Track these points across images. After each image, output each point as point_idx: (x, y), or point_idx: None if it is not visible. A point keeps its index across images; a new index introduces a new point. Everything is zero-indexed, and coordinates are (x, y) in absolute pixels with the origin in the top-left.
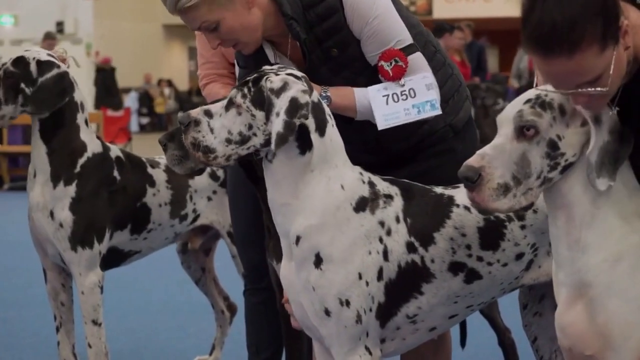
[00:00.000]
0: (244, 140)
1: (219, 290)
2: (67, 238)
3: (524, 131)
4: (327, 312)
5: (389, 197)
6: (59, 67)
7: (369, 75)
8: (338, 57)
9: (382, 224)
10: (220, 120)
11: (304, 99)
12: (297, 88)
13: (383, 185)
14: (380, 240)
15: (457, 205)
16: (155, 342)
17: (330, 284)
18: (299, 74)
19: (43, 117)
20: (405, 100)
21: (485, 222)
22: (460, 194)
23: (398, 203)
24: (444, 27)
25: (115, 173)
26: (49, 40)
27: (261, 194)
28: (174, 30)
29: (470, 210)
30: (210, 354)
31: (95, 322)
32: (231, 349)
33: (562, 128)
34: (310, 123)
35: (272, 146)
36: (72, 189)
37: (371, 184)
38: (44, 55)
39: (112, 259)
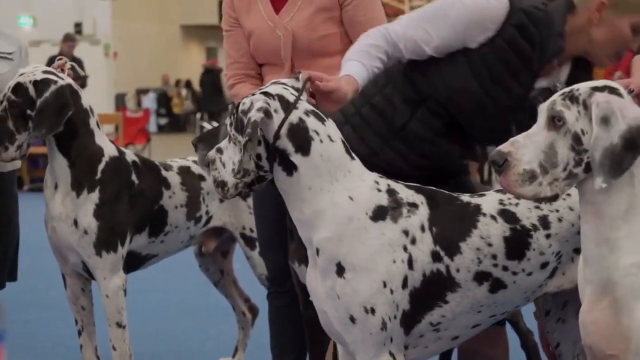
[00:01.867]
0: (240, 167)
1: (239, 292)
2: (92, 244)
3: (554, 121)
4: (352, 320)
5: (414, 205)
6: (55, 82)
7: None
8: None
9: (406, 232)
10: (227, 153)
11: (254, 116)
12: (257, 106)
13: (407, 193)
14: (405, 249)
15: (484, 215)
16: (177, 345)
17: (354, 292)
18: (276, 91)
19: (57, 132)
20: None
21: (512, 232)
22: (486, 203)
23: (423, 212)
24: None
25: (134, 177)
26: (69, 42)
27: None
28: (192, 31)
29: (496, 220)
30: (234, 356)
31: (119, 325)
32: (253, 350)
33: (586, 123)
34: (288, 145)
35: (236, 176)
36: (95, 196)
37: (390, 192)
38: (39, 74)
39: (130, 263)
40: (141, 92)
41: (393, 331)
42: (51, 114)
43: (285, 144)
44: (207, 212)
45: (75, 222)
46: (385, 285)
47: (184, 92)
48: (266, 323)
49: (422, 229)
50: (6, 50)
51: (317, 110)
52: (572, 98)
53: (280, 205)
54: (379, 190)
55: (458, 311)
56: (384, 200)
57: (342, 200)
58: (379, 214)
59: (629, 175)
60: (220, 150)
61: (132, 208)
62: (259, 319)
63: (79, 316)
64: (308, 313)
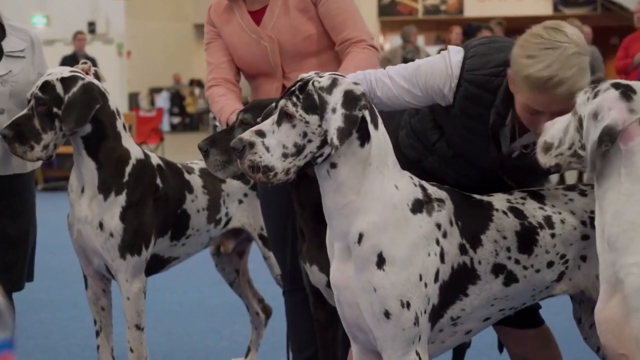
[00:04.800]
0: (299, 150)
1: (253, 293)
2: (117, 247)
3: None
4: (387, 314)
5: (441, 200)
6: (83, 79)
7: None
8: None
9: (438, 226)
10: (275, 136)
11: (358, 90)
12: (347, 82)
13: (433, 189)
14: (437, 242)
15: (497, 210)
16: (190, 344)
17: (392, 285)
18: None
19: (84, 134)
20: None
21: (521, 227)
22: (496, 201)
23: (450, 206)
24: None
25: (158, 181)
26: (79, 37)
27: (297, 196)
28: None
29: (508, 215)
30: (246, 356)
31: (138, 327)
32: (266, 350)
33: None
34: (367, 115)
35: (335, 141)
36: (122, 198)
37: (422, 187)
38: (66, 72)
39: (152, 266)
40: (154, 91)
41: (422, 327)
42: (79, 108)
43: (365, 113)
44: (226, 214)
45: (101, 225)
46: (420, 278)
47: (197, 91)
48: (279, 324)
49: (451, 222)
50: (17, 48)
51: None
52: (594, 87)
53: (289, 205)
54: (415, 185)
55: (475, 304)
56: (419, 194)
57: (390, 187)
58: (417, 207)
59: (617, 174)
60: (262, 134)
61: (156, 211)
62: (272, 319)
63: (99, 317)
64: (318, 314)
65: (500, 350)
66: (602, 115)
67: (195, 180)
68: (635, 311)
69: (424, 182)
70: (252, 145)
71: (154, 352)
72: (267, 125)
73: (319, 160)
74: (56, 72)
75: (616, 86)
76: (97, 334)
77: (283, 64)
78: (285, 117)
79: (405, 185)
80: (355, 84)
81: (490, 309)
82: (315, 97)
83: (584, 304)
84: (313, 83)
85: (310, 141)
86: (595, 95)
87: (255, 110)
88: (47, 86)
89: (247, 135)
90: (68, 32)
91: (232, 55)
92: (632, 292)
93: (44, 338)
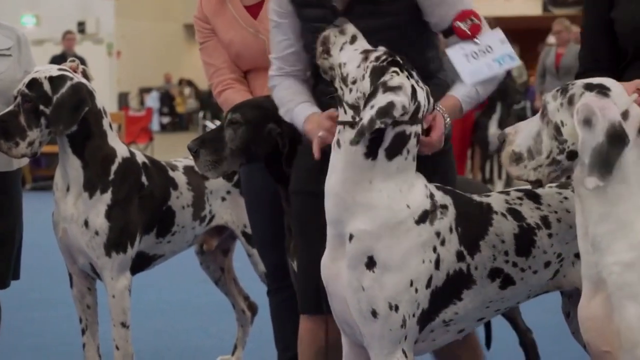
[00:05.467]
0: (345, 79)
1: (239, 290)
2: (102, 245)
3: (544, 111)
4: (374, 314)
5: (445, 207)
6: (72, 79)
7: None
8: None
9: (438, 234)
10: (352, 52)
11: (398, 112)
12: (403, 100)
13: (439, 195)
14: (434, 249)
15: (496, 213)
16: (177, 343)
17: (381, 287)
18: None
19: (70, 132)
20: (485, 56)
21: (519, 229)
22: (495, 202)
23: (452, 212)
24: None
25: (144, 178)
26: (68, 37)
27: (285, 194)
28: (195, 30)
29: (507, 217)
30: (233, 353)
31: (123, 325)
32: (253, 348)
33: (566, 116)
34: (388, 138)
35: (362, 123)
36: (107, 197)
37: (431, 196)
38: (54, 71)
39: (138, 264)
40: (144, 91)
41: (410, 329)
42: (68, 110)
43: (389, 135)
44: (210, 211)
45: (86, 223)
46: (412, 284)
47: (186, 90)
48: (265, 321)
49: (451, 230)
50: (3, 46)
51: None
52: (564, 91)
53: (276, 203)
54: (427, 197)
55: (470, 307)
56: (428, 205)
57: (400, 206)
58: (422, 218)
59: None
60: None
61: (142, 209)
62: (258, 317)
63: (84, 315)
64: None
65: (488, 347)
66: (596, 119)
67: (180, 177)
68: (619, 308)
69: (432, 188)
70: (520, 158)
71: (140, 350)
72: (363, 40)
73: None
74: (44, 69)
75: (589, 87)
76: (83, 332)
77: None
78: (364, 53)
79: (417, 200)
80: (405, 107)
81: (485, 311)
82: (377, 81)
83: (573, 299)
84: (390, 72)
85: (354, 83)
86: (570, 102)
87: (245, 109)
88: (34, 83)
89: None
90: (58, 32)
91: (226, 50)
92: (615, 290)
93: (35, 336)
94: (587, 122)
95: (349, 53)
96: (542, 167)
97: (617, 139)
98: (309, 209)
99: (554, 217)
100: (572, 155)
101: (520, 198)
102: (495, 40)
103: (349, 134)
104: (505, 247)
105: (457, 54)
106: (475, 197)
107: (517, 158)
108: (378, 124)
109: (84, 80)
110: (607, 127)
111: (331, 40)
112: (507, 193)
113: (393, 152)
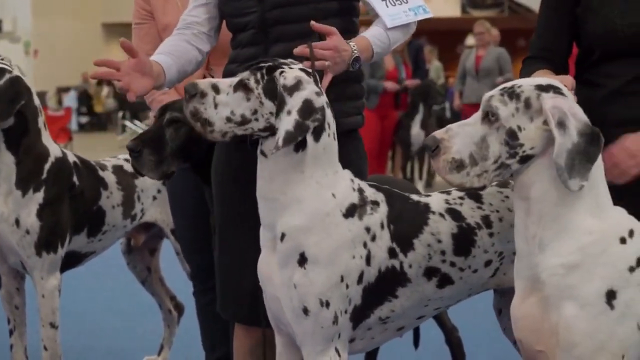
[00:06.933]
0: (244, 122)
1: (165, 290)
2: (32, 244)
3: (488, 116)
4: (306, 311)
5: (376, 203)
6: (10, 72)
7: None
8: None
9: (367, 230)
10: (227, 98)
11: (318, 102)
12: (311, 89)
13: (370, 192)
14: (365, 245)
15: (433, 212)
16: (103, 343)
17: (312, 283)
18: (309, 72)
19: (6, 126)
20: (401, 5)
21: (459, 229)
22: (434, 202)
23: (383, 209)
24: None
25: (75, 178)
26: None
27: (211, 195)
28: (113, 29)
29: (445, 218)
30: (159, 354)
31: (52, 325)
32: (179, 348)
33: (524, 120)
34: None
35: (279, 142)
36: (40, 195)
37: (360, 191)
38: None
39: (69, 262)
40: (62, 90)
41: (343, 326)
42: (4, 101)
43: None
44: (142, 210)
45: (17, 222)
46: (342, 279)
47: (105, 90)
48: (191, 321)
49: (382, 226)
50: None
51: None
52: (512, 94)
53: (200, 205)
54: (354, 190)
55: (407, 305)
56: (355, 198)
57: (326, 196)
58: (350, 211)
59: (548, 177)
60: (216, 89)
61: (73, 209)
62: (184, 316)
63: (12, 315)
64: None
65: (416, 346)
66: (568, 121)
67: (109, 177)
68: (557, 309)
69: (363, 184)
70: (203, 94)
71: (66, 351)
72: (224, 84)
73: (254, 137)
74: None
75: (542, 89)
76: (11, 333)
77: (210, 55)
78: (243, 87)
79: (343, 191)
80: (318, 93)
81: (424, 309)
82: (278, 90)
83: (506, 296)
84: (281, 74)
85: (256, 120)
86: (527, 105)
87: (154, 144)
88: None
89: (203, 84)
90: None
91: (161, 34)
92: (555, 291)
93: None
94: (561, 125)
95: (226, 100)
96: (487, 172)
97: (594, 137)
98: (230, 197)
99: (495, 216)
100: (525, 159)
101: (461, 198)
102: None
103: (271, 142)
104: (441, 246)
105: (377, 1)
106: (414, 197)
107: (458, 165)
108: (311, 125)
109: (21, 76)
110: (581, 128)
111: (200, 110)
112: (449, 193)
113: (318, 130)
